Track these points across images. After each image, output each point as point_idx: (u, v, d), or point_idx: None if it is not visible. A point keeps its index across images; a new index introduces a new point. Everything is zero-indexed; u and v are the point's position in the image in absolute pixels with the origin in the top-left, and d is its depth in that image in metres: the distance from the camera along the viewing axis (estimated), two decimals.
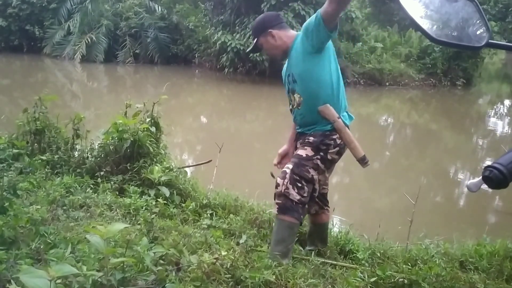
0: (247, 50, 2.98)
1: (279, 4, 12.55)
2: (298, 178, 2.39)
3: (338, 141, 2.41)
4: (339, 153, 2.46)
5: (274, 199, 2.47)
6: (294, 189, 2.38)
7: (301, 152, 2.45)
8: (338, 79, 2.42)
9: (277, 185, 2.42)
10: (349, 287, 2.23)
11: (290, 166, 2.43)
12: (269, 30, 2.49)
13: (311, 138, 2.45)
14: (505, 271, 2.55)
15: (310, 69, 2.37)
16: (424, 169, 7.15)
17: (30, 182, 2.84)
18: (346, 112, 2.50)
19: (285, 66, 2.60)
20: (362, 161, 2.40)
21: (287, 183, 2.39)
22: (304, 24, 2.36)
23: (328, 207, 2.76)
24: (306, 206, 2.51)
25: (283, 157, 2.72)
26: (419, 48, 14.96)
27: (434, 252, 2.78)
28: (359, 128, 10.13)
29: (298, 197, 2.38)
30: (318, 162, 2.41)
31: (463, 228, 4.59)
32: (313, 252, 2.70)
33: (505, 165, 0.96)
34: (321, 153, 2.41)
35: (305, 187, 2.39)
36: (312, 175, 2.40)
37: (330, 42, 2.35)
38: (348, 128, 2.45)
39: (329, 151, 2.41)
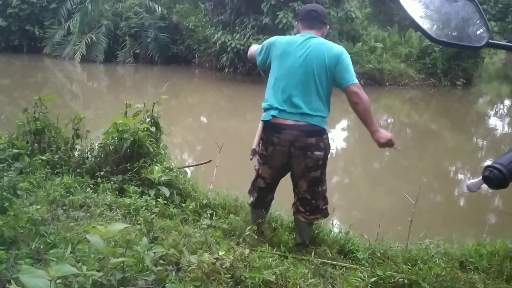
0: None
1: (279, 4, 12.55)
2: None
3: (263, 136, 2.70)
4: (265, 147, 2.70)
5: None
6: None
7: None
8: (274, 79, 2.67)
9: None
10: (349, 287, 2.24)
11: None
12: (296, 22, 2.86)
13: None
14: (505, 271, 2.56)
15: None
16: (424, 169, 7.15)
17: (30, 182, 2.84)
18: (276, 108, 2.61)
19: None
20: (251, 153, 2.67)
21: None
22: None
23: (305, 214, 2.77)
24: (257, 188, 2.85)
25: None
26: (419, 48, 14.92)
27: (434, 252, 2.78)
28: (359, 128, 10.13)
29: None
30: (257, 157, 2.79)
31: (463, 228, 4.59)
32: (313, 252, 2.70)
33: (505, 165, 0.96)
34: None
35: (255, 175, 2.86)
36: (258, 168, 2.81)
37: (273, 54, 2.69)
38: (270, 123, 2.63)
39: (260, 145, 2.72)
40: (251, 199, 2.91)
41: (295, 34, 2.76)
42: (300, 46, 2.60)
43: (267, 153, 2.69)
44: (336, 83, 2.60)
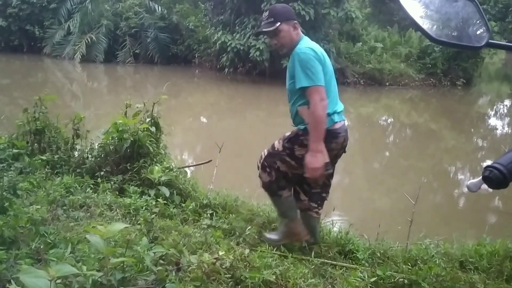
0: (256, 31, 2.97)
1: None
2: (267, 165, 2.67)
3: (306, 142, 2.47)
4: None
5: None
6: (264, 173, 2.69)
7: (276, 144, 2.67)
8: (329, 84, 2.48)
9: (257, 167, 2.77)
10: (349, 287, 2.24)
11: (265, 153, 2.70)
12: (295, 21, 2.57)
13: (287, 134, 2.65)
14: (505, 271, 2.55)
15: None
16: (424, 169, 7.14)
17: (30, 182, 2.84)
18: (335, 114, 2.52)
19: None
20: (327, 167, 2.47)
21: (260, 168, 2.72)
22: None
23: (317, 209, 2.76)
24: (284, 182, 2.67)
25: None
26: (419, 48, 14.94)
27: (434, 252, 2.78)
28: (359, 128, 10.12)
29: (268, 179, 2.67)
30: (286, 157, 2.60)
31: (463, 228, 4.59)
32: (313, 251, 2.70)
33: (505, 165, 0.96)
34: (287, 151, 2.58)
35: (273, 173, 2.65)
36: (279, 166, 2.63)
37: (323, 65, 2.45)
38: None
39: (295, 148, 2.55)
40: (268, 178, 2.65)
41: (299, 34, 2.60)
42: (324, 52, 2.55)
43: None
44: None
